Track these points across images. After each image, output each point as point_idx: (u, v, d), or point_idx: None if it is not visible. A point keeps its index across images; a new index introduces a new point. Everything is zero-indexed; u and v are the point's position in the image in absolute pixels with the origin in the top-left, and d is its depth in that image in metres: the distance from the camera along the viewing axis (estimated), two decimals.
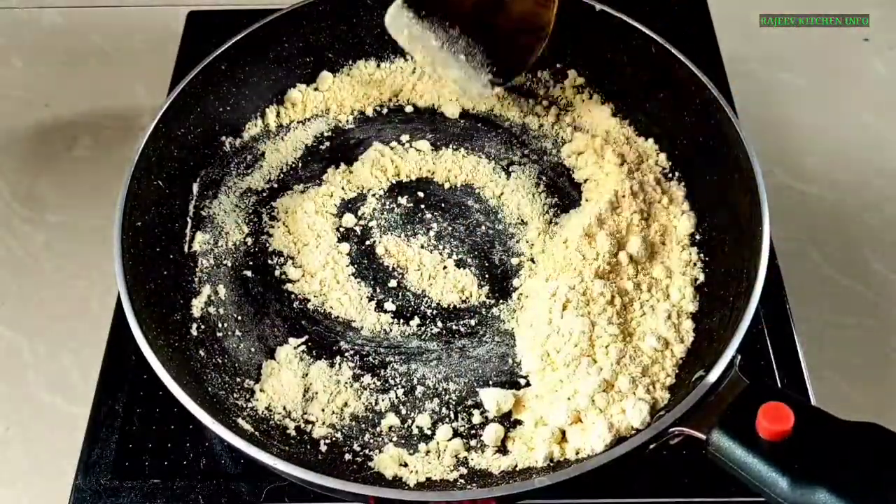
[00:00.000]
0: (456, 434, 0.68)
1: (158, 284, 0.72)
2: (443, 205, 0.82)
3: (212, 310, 0.75)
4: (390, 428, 0.68)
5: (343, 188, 0.83)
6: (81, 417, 0.73)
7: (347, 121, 0.89)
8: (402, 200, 0.82)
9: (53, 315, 0.85)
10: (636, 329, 0.70)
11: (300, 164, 0.86)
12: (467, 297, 0.76)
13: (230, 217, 0.81)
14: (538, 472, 0.63)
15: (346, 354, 0.72)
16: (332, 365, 0.72)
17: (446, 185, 0.84)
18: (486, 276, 0.77)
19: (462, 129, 0.88)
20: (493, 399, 0.68)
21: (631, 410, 0.64)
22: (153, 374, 0.62)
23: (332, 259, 0.78)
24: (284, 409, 0.69)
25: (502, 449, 0.67)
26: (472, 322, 0.74)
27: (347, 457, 0.67)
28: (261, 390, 0.70)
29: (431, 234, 0.80)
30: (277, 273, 0.78)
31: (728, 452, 0.56)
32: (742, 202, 0.70)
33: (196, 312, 0.74)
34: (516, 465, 0.65)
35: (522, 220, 0.80)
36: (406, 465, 0.66)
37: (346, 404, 0.69)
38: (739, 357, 0.61)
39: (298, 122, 0.88)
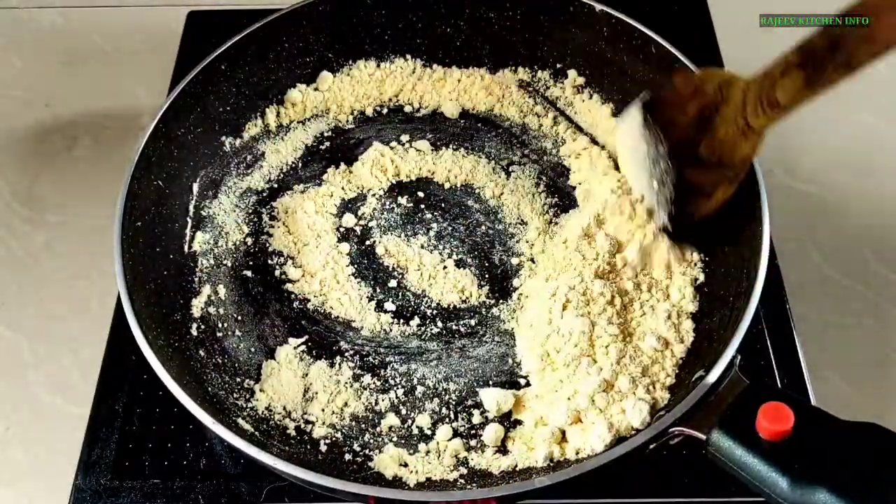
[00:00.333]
0: (456, 434, 0.68)
1: (158, 284, 0.72)
2: (443, 205, 0.82)
3: (212, 310, 0.75)
4: (390, 428, 0.68)
5: (343, 188, 0.83)
6: (81, 417, 0.73)
7: (347, 121, 0.89)
8: (402, 200, 0.82)
9: (53, 315, 0.85)
10: (636, 329, 0.70)
11: (300, 164, 0.86)
12: (467, 297, 0.76)
13: (230, 217, 0.81)
14: (538, 472, 0.63)
15: (346, 354, 0.72)
16: (332, 365, 0.72)
17: (446, 185, 0.84)
18: (486, 276, 0.77)
19: (462, 129, 0.88)
20: (493, 399, 0.68)
21: (631, 410, 0.64)
22: (153, 374, 0.62)
23: (332, 259, 0.78)
24: (284, 409, 0.69)
25: (502, 449, 0.67)
26: (472, 322, 0.74)
27: (347, 457, 0.67)
28: (261, 390, 0.70)
29: (431, 234, 0.80)
30: (277, 273, 0.78)
31: (728, 452, 0.56)
32: (742, 202, 0.70)
33: (196, 312, 0.74)
34: (516, 465, 0.65)
35: (522, 220, 0.80)
36: (406, 465, 0.66)
37: (346, 404, 0.69)
38: (739, 357, 0.61)
39: (298, 122, 0.88)
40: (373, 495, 0.59)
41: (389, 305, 0.75)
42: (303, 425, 0.68)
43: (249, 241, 0.80)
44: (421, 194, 0.83)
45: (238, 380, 0.71)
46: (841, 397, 0.78)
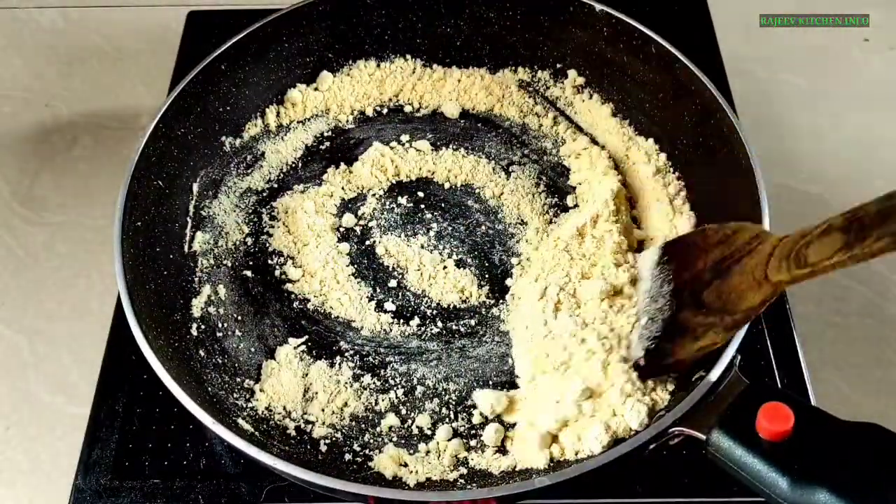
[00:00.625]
0: (456, 434, 0.68)
1: (158, 284, 0.72)
2: (443, 205, 0.82)
3: (212, 310, 0.75)
4: (390, 428, 0.68)
5: (343, 188, 0.83)
6: (81, 417, 0.73)
7: (347, 121, 0.89)
8: (402, 200, 0.82)
9: (53, 315, 0.85)
10: (627, 332, 0.70)
11: (300, 164, 0.86)
12: (467, 297, 0.76)
13: (230, 217, 0.81)
14: (538, 472, 0.63)
15: (346, 354, 0.72)
16: (332, 365, 0.72)
17: (446, 185, 0.84)
18: (486, 276, 0.77)
19: (462, 129, 0.88)
20: (488, 401, 0.68)
21: (630, 412, 0.63)
22: (153, 374, 0.62)
23: (331, 259, 0.78)
24: (284, 409, 0.69)
25: (502, 449, 0.67)
26: (472, 322, 0.74)
27: (347, 457, 0.67)
28: (261, 390, 0.70)
29: (431, 234, 0.80)
30: (277, 273, 0.78)
31: (728, 452, 0.56)
32: (742, 202, 0.70)
33: (196, 312, 0.74)
34: (516, 465, 0.65)
35: (522, 220, 0.80)
36: (406, 465, 0.66)
37: (346, 404, 0.69)
38: (739, 357, 0.61)
39: (298, 122, 0.88)
40: (373, 495, 0.59)
41: (389, 305, 0.75)
42: (303, 425, 0.68)
43: (249, 241, 0.80)
44: (421, 194, 0.83)
45: (238, 380, 0.71)
46: (841, 397, 0.78)
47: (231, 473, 0.69)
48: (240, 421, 0.67)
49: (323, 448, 0.67)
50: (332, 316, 0.75)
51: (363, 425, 0.68)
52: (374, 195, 0.83)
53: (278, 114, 0.88)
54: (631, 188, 0.81)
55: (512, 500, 0.63)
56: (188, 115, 0.80)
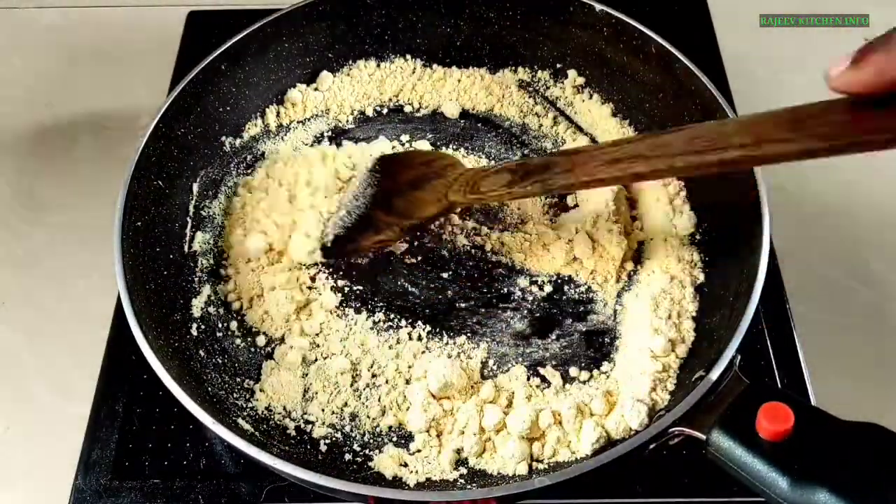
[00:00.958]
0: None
1: (158, 284, 0.72)
2: None
3: (212, 310, 0.75)
4: (390, 428, 0.68)
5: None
6: (81, 417, 0.73)
7: (347, 121, 0.89)
8: None
9: (53, 315, 0.85)
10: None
11: None
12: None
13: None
14: (538, 473, 0.63)
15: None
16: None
17: None
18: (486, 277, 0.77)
19: (462, 129, 0.88)
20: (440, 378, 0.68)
21: (629, 412, 0.64)
22: (153, 374, 0.62)
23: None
24: (284, 409, 0.69)
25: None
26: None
27: (347, 457, 0.67)
28: (261, 390, 0.70)
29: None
30: None
31: (728, 452, 0.56)
32: (742, 202, 0.70)
33: (196, 312, 0.74)
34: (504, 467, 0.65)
35: (522, 220, 0.80)
36: (406, 465, 0.66)
37: (345, 404, 0.69)
38: (739, 357, 0.61)
39: (298, 122, 0.88)
40: (373, 495, 0.59)
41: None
42: (303, 425, 0.68)
43: None
44: None
45: (238, 380, 0.71)
46: (841, 397, 0.78)
47: (231, 473, 0.69)
48: (240, 421, 0.67)
49: (323, 448, 0.67)
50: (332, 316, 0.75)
51: (363, 425, 0.68)
52: None
53: (278, 114, 0.88)
54: (631, 188, 0.81)
55: (512, 500, 0.63)
56: (188, 115, 0.80)
